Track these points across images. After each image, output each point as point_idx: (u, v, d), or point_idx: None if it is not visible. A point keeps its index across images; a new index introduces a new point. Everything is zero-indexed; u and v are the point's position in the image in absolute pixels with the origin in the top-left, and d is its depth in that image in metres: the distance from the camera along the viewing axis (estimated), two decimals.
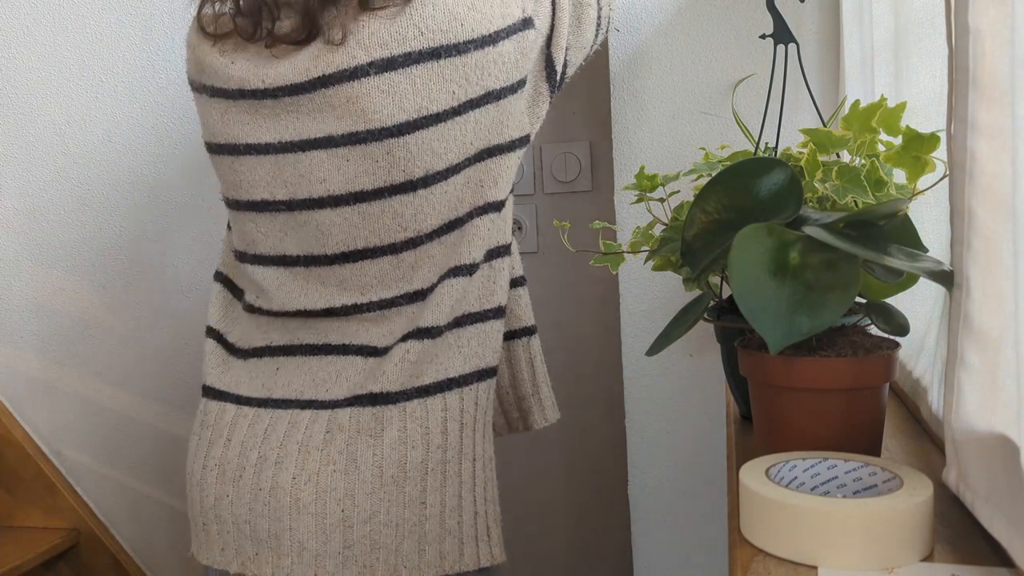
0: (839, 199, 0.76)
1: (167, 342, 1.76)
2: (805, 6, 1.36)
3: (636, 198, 1.09)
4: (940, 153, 0.73)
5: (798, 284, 0.67)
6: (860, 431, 0.73)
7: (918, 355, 0.94)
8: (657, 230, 1.02)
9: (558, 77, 0.97)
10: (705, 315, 0.84)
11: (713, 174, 0.87)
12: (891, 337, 0.78)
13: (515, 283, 1.00)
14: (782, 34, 1.11)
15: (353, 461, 0.89)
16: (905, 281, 0.78)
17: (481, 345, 0.93)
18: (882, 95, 0.83)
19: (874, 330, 0.79)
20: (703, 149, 1.37)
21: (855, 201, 0.78)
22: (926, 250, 0.72)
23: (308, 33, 0.87)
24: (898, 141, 0.76)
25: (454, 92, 0.87)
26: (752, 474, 0.65)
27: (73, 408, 1.81)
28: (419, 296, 0.92)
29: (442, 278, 0.91)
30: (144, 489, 1.81)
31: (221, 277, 1.05)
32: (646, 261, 1.00)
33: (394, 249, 0.91)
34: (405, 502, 0.89)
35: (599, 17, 1.02)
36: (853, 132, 0.79)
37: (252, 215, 0.95)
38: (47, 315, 1.80)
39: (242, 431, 0.95)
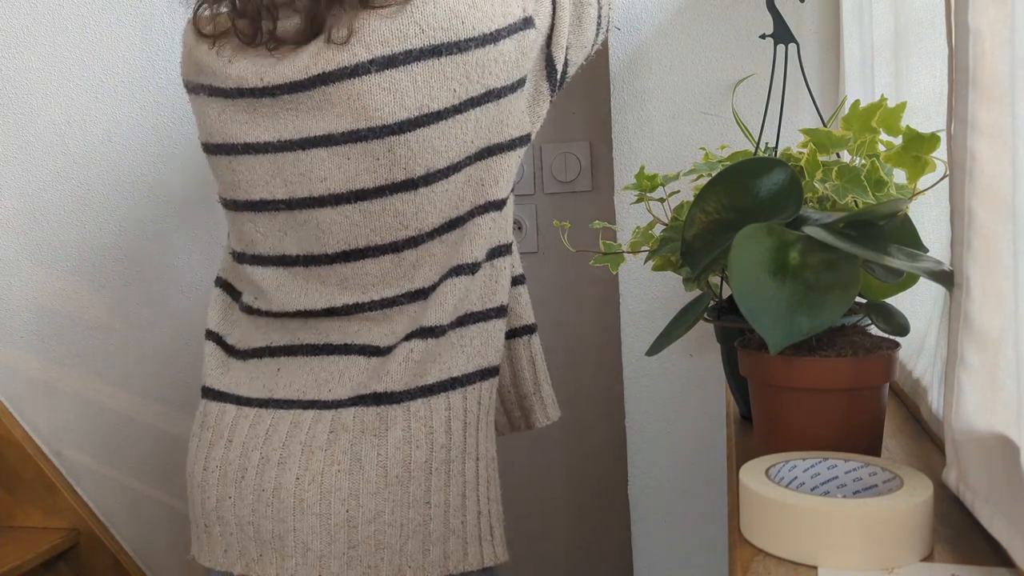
0: (839, 199, 0.76)
1: (167, 342, 1.76)
2: (805, 6, 1.36)
3: (636, 198, 1.09)
4: (940, 153, 0.73)
5: (798, 284, 0.67)
6: (860, 431, 0.73)
7: (918, 355, 0.94)
8: (657, 230, 1.02)
9: (559, 76, 0.97)
10: (705, 315, 0.84)
11: (713, 174, 0.87)
12: (891, 337, 0.78)
13: (515, 281, 1.00)
14: (782, 34, 1.11)
15: (357, 461, 0.89)
16: (905, 281, 0.78)
17: (484, 344, 0.93)
18: (882, 95, 0.83)
19: (874, 330, 0.79)
20: (703, 149, 1.37)
21: (855, 201, 0.78)
22: (926, 250, 0.72)
23: (312, 32, 0.87)
24: (898, 141, 0.76)
25: (455, 90, 0.87)
26: (752, 474, 0.65)
27: (73, 408, 1.81)
28: (421, 295, 0.92)
29: (444, 277, 0.91)
30: (144, 489, 1.81)
31: (221, 282, 1.04)
32: (646, 261, 1.00)
33: (395, 248, 0.91)
34: (409, 502, 0.89)
35: (599, 16, 1.02)
36: (853, 132, 0.79)
37: (250, 215, 0.95)
38: (47, 315, 1.80)
39: (243, 432, 0.94)
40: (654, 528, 1.52)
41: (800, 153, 0.94)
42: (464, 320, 0.92)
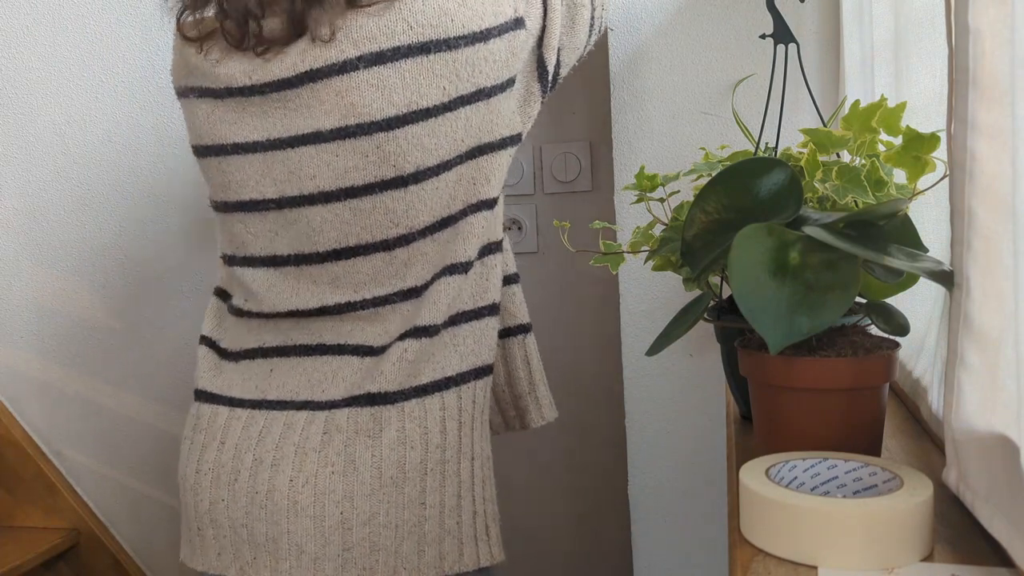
0: (839, 199, 0.76)
1: (167, 342, 1.76)
2: (805, 6, 1.36)
3: (636, 198, 1.09)
4: (940, 153, 0.73)
5: (798, 284, 0.67)
6: (860, 431, 0.73)
7: (918, 355, 0.94)
8: (657, 230, 1.02)
9: (550, 78, 0.97)
10: (705, 315, 0.84)
11: (713, 174, 0.87)
12: (891, 337, 0.78)
13: (508, 280, 1.00)
14: (782, 34, 1.11)
15: (351, 462, 0.89)
16: (905, 281, 0.78)
17: (477, 343, 0.93)
18: (882, 95, 0.83)
19: (874, 330, 0.79)
20: (703, 149, 1.37)
21: (855, 201, 0.78)
22: (926, 250, 0.72)
23: (295, 32, 0.87)
24: (898, 141, 0.76)
25: (444, 88, 0.87)
26: (752, 474, 0.65)
27: (73, 408, 1.81)
28: (413, 294, 0.92)
29: (437, 276, 0.91)
30: (144, 489, 1.81)
31: (218, 291, 1.04)
32: (646, 261, 1.00)
33: (386, 246, 0.91)
34: (404, 503, 0.89)
35: (593, 18, 1.02)
36: (853, 132, 0.79)
37: (241, 216, 0.95)
38: (47, 315, 1.80)
39: (235, 434, 0.94)
40: (654, 528, 1.52)
41: (800, 153, 0.94)
42: (457, 319, 0.92)
